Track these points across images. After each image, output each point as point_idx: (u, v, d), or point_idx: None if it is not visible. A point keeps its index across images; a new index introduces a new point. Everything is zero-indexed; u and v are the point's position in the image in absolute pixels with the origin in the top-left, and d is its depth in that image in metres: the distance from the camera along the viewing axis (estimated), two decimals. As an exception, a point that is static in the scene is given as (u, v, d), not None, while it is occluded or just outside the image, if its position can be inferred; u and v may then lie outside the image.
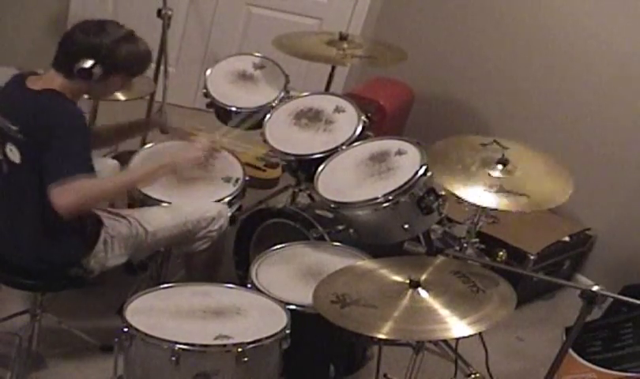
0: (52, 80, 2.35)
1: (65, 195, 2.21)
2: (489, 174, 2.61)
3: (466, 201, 2.60)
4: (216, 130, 2.96)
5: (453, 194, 2.60)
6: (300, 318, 2.29)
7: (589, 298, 2.03)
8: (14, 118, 2.30)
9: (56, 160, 2.25)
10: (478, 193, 2.54)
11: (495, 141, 2.77)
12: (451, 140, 2.79)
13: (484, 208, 2.71)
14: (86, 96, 2.55)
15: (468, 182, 2.57)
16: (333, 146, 2.91)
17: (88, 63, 2.32)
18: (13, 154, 2.32)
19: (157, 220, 2.60)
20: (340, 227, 2.81)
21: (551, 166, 2.76)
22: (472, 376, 2.71)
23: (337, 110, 3.08)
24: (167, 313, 2.24)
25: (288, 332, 2.20)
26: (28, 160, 2.30)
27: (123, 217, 2.56)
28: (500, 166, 2.63)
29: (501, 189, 2.55)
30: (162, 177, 2.62)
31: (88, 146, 2.32)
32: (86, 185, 2.26)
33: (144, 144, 3.45)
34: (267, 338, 2.14)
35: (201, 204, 2.72)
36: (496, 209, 2.61)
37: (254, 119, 3.08)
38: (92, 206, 2.41)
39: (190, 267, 2.79)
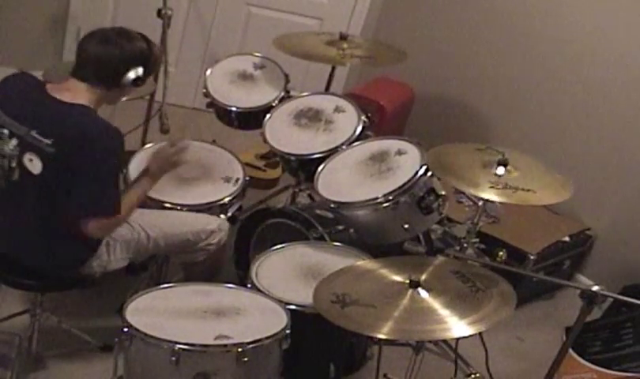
0: (78, 92, 2.30)
1: (102, 229, 2.35)
2: (492, 173, 2.61)
3: (475, 197, 2.61)
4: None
5: (461, 191, 2.61)
6: (300, 318, 2.29)
7: (589, 298, 2.03)
8: (46, 129, 2.24)
9: (92, 190, 2.27)
10: (485, 190, 2.54)
11: (488, 147, 2.79)
12: (445, 147, 2.79)
13: (491, 202, 2.73)
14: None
15: (474, 180, 2.58)
16: (333, 146, 2.91)
17: (139, 71, 2.34)
18: (33, 165, 2.27)
19: (160, 227, 2.60)
20: (340, 227, 2.81)
21: (548, 168, 2.77)
22: (472, 376, 2.71)
23: (337, 110, 3.08)
24: (167, 313, 2.24)
25: (288, 332, 2.20)
26: (49, 173, 2.26)
27: (126, 221, 2.56)
28: (501, 168, 2.63)
29: (507, 186, 2.55)
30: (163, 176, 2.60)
31: (119, 168, 2.37)
32: (120, 218, 2.36)
33: (144, 144, 3.46)
34: (267, 338, 2.14)
35: (203, 216, 2.72)
36: (503, 204, 2.63)
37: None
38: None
39: (188, 277, 2.78)
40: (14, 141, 2.29)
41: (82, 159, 2.23)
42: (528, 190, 2.56)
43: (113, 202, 2.31)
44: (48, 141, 2.23)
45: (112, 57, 2.31)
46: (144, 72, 2.37)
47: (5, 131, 2.30)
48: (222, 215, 2.80)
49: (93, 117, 2.30)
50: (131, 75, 2.33)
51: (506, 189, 2.55)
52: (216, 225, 2.71)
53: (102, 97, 2.36)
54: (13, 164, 2.31)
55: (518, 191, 2.55)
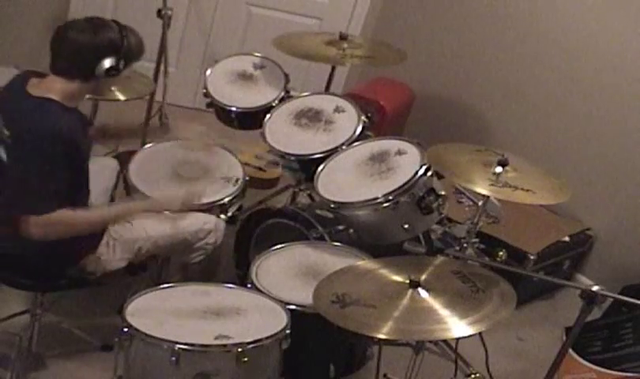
0: (53, 86, 2.31)
1: (38, 229, 2.26)
2: (493, 173, 2.62)
3: (475, 195, 2.61)
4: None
5: (461, 191, 2.60)
6: (300, 318, 2.29)
7: (589, 298, 2.03)
8: (8, 121, 2.27)
9: (27, 187, 2.25)
10: (484, 187, 2.55)
11: (487, 149, 2.80)
12: (445, 146, 2.80)
13: (491, 202, 2.76)
14: (88, 96, 2.54)
15: (474, 178, 2.58)
16: (333, 146, 2.91)
17: (111, 61, 2.31)
18: (2, 155, 2.30)
19: (159, 227, 2.60)
20: (340, 227, 2.81)
21: (546, 172, 2.79)
22: (472, 376, 2.71)
23: (337, 110, 3.08)
24: (167, 313, 2.24)
25: (288, 332, 2.20)
26: (11, 163, 2.27)
27: (126, 221, 2.56)
28: (500, 168, 2.63)
29: (506, 185, 2.56)
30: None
31: (77, 165, 2.31)
32: (62, 219, 2.29)
33: (144, 144, 3.46)
34: (267, 338, 2.14)
35: (200, 215, 2.72)
36: (503, 203, 2.63)
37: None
38: (60, 237, 2.37)
39: (186, 278, 2.78)
40: None
41: (28, 152, 2.22)
42: (528, 190, 2.56)
43: (44, 201, 2.26)
44: (7, 132, 2.26)
45: (83, 47, 2.30)
46: (117, 61, 2.32)
47: None
48: (222, 216, 2.79)
49: (50, 112, 2.27)
50: (104, 64, 2.31)
51: (506, 188, 2.55)
52: (213, 224, 2.70)
53: (80, 90, 2.34)
54: None
55: (517, 190, 2.55)
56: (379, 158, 2.78)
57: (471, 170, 2.64)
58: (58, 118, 2.27)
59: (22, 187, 2.27)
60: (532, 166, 2.78)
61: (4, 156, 2.30)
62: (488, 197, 2.75)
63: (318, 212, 2.88)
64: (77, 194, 2.41)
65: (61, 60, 2.32)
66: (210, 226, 2.69)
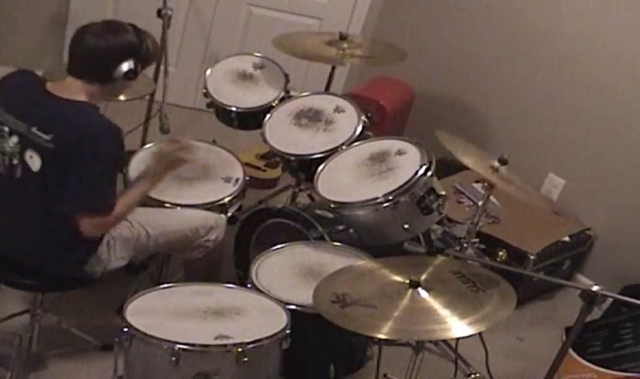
0: (76, 88, 2.31)
1: (96, 228, 2.33)
2: (496, 171, 2.63)
3: (488, 197, 2.63)
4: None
5: (461, 191, 2.60)
6: (300, 318, 2.29)
7: (589, 298, 2.03)
8: (46, 126, 2.24)
9: (86, 188, 2.26)
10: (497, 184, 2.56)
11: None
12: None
13: (491, 199, 2.75)
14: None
15: (481, 165, 2.59)
16: (333, 146, 2.91)
17: (131, 64, 2.32)
18: (33, 161, 2.27)
19: (159, 224, 2.60)
20: (340, 227, 2.81)
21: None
22: (472, 376, 2.72)
23: (337, 110, 3.08)
24: (167, 313, 2.24)
25: (288, 332, 2.20)
26: (48, 170, 2.26)
27: (126, 219, 2.56)
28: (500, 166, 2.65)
29: (512, 182, 2.56)
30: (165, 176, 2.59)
31: (118, 166, 2.35)
32: (115, 217, 2.35)
33: (144, 144, 3.46)
34: (267, 338, 2.14)
35: (200, 212, 2.72)
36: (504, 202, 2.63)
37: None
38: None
39: (188, 275, 2.78)
40: (14, 138, 2.29)
41: (80, 156, 2.22)
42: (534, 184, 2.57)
43: (107, 201, 2.30)
44: (48, 137, 2.23)
45: (101, 51, 2.30)
46: (136, 64, 2.34)
47: (6, 128, 2.30)
48: (222, 215, 2.79)
49: (94, 114, 2.29)
50: (123, 68, 2.31)
51: (510, 186, 2.56)
52: (214, 221, 2.70)
53: (99, 93, 2.34)
54: (15, 161, 2.31)
55: (527, 184, 2.56)
56: (379, 158, 2.78)
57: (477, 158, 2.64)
58: (101, 115, 2.30)
59: (84, 188, 2.26)
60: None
61: (36, 165, 2.27)
62: (489, 196, 2.76)
63: (318, 211, 2.88)
64: None
65: (79, 63, 2.32)
66: (211, 222, 2.69)
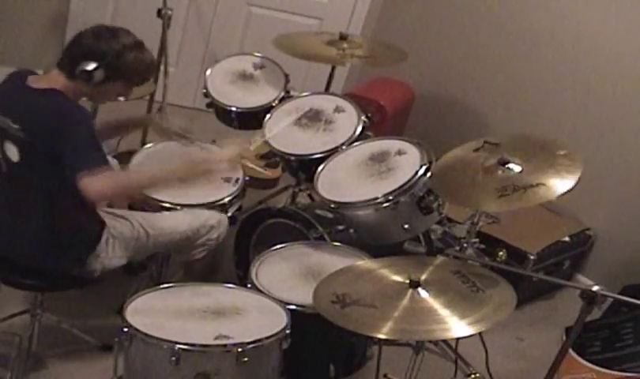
0: (55, 79, 2.34)
1: (100, 181, 2.22)
2: (497, 179, 2.59)
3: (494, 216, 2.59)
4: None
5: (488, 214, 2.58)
6: (300, 318, 2.29)
7: (589, 298, 2.03)
8: (15, 116, 2.29)
9: (80, 153, 2.24)
10: (497, 200, 2.50)
11: (485, 142, 2.73)
12: (445, 160, 2.75)
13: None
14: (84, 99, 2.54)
15: (482, 194, 2.53)
16: (333, 146, 2.91)
17: (91, 66, 2.31)
18: (12, 153, 2.31)
19: (159, 224, 2.60)
20: (340, 227, 2.81)
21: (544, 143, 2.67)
22: (472, 376, 2.71)
23: (337, 110, 3.08)
24: (167, 313, 2.24)
25: (288, 332, 2.20)
26: (26, 159, 2.30)
27: (126, 218, 2.56)
28: (502, 168, 2.62)
29: (516, 189, 2.51)
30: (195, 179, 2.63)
31: (100, 143, 2.31)
32: (119, 173, 2.36)
33: (144, 144, 3.46)
34: (267, 338, 2.14)
35: (202, 212, 2.72)
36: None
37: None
38: (123, 195, 2.47)
39: (188, 275, 2.78)
40: None
41: (54, 138, 2.23)
42: (538, 185, 2.49)
43: (96, 158, 2.26)
44: (17, 126, 2.27)
45: (77, 45, 2.33)
46: (96, 68, 2.31)
47: None
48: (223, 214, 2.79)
49: (59, 98, 2.30)
50: (82, 66, 2.31)
51: (517, 192, 2.49)
52: (216, 220, 2.70)
53: (68, 87, 2.34)
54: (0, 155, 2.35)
55: (528, 190, 2.50)
56: (379, 158, 2.78)
57: (476, 189, 2.58)
58: (67, 99, 2.30)
59: (79, 152, 2.24)
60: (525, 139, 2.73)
61: (15, 156, 2.30)
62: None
63: (318, 211, 2.88)
64: None
65: (64, 52, 2.37)
66: (213, 222, 2.69)
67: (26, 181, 2.32)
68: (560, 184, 2.42)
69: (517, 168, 2.54)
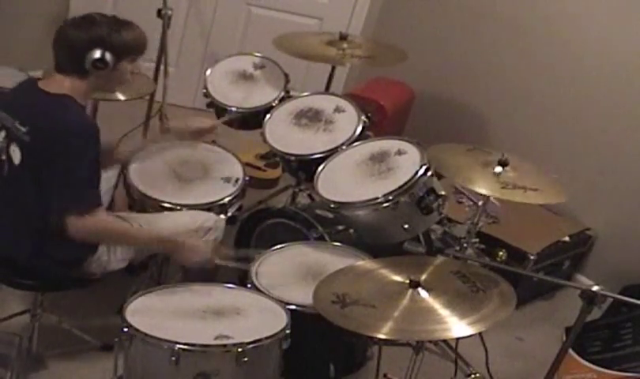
0: (62, 83, 2.32)
1: (85, 228, 2.26)
2: (496, 174, 2.62)
3: (479, 195, 2.63)
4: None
5: (463, 188, 2.60)
6: (300, 318, 2.29)
7: (589, 298, 2.03)
8: (23, 118, 2.27)
9: (72, 190, 2.24)
10: (494, 189, 2.55)
11: (477, 148, 2.80)
12: (437, 148, 2.79)
13: (492, 202, 2.78)
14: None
15: (480, 180, 2.57)
16: (333, 146, 2.91)
17: (97, 53, 2.29)
18: (15, 155, 2.30)
19: (158, 225, 2.60)
20: (340, 227, 2.81)
21: (539, 168, 2.80)
22: (472, 376, 2.71)
23: (337, 110, 3.08)
24: (167, 313, 2.24)
25: (288, 332, 2.20)
26: (27, 162, 2.29)
27: (125, 220, 2.56)
28: (500, 168, 2.64)
29: (515, 187, 2.55)
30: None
31: (99, 163, 2.30)
32: (107, 224, 2.34)
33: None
34: (267, 338, 2.13)
35: (199, 213, 2.71)
36: (510, 203, 2.64)
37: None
38: (105, 243, 2.43)
39: (187, 277, 2.77)
40: (3, 133, 2.32)
41: (56, 151, 2.22)
42: (535, 189, 2.55)
43: (92, 200, 2.27)
44: (24, 129, 2.26)
45: (71, 41, 2.31)
46: (103, 53, 2.30)
47: None
48: (222, 215, 2.79)
49: (73, 110, 2.28)
50: (91, 57, 2.29)
51: (514, 190, 2.54)
52: (213, 222, 2.70)
53: (81, 87, 2.33)
54: (3, 157, 2.34)
55: (526, 190, 2.54)
56: (379, 158, 2.78)
57: (478, 176, 2.64)
58: (78, 108, 2.29)
59: (68, 189, 2.24)
60: (524, 163, 2.78)
61: (17, 158, 2.29)
62: (489, 197, 2.76)
63: (318, 212, 2.88)
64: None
65: (58, 57, 2.35)
66: (210, 223, 2.69)
67: (26, 183, 2.31)
68: (555, 195, 2.62)
69: (514, 172, 2.58)
